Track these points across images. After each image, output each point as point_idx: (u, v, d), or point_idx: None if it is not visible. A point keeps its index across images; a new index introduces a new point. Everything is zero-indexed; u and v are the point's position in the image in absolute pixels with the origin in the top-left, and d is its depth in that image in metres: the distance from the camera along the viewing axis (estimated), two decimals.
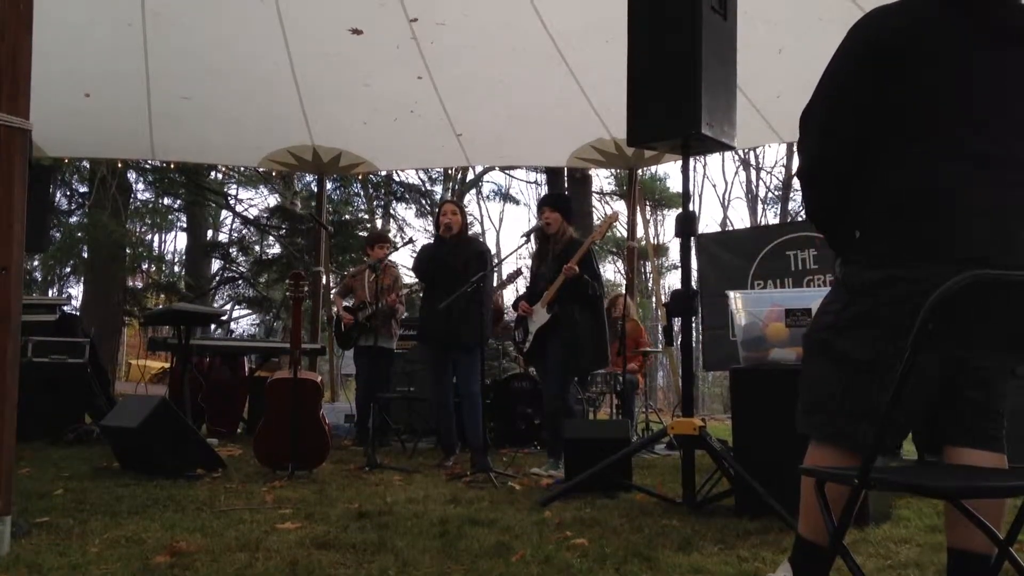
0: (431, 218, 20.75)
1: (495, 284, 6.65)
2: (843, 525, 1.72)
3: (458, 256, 5.69)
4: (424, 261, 5.93)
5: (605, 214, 24.15)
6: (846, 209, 2.05)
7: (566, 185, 14.55)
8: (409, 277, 10.10)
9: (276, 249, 18.05)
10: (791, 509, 3.05)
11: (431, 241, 6.30)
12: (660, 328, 12.05)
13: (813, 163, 2.09)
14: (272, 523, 3.38)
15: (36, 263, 17.19)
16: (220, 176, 18.66)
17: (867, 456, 1.62)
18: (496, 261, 5.80)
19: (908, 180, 1.94)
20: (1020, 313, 1.60)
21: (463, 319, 5.43)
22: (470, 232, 6.17)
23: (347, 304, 7.29)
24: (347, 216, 18.47)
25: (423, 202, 20.30)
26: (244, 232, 19.36)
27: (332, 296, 8.19)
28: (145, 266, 18.19)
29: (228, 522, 3.39)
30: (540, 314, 5.54)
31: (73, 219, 15.68)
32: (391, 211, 21.05)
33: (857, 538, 3.16)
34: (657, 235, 27.14)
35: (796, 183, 22.46)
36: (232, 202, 19.66)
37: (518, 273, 6.52)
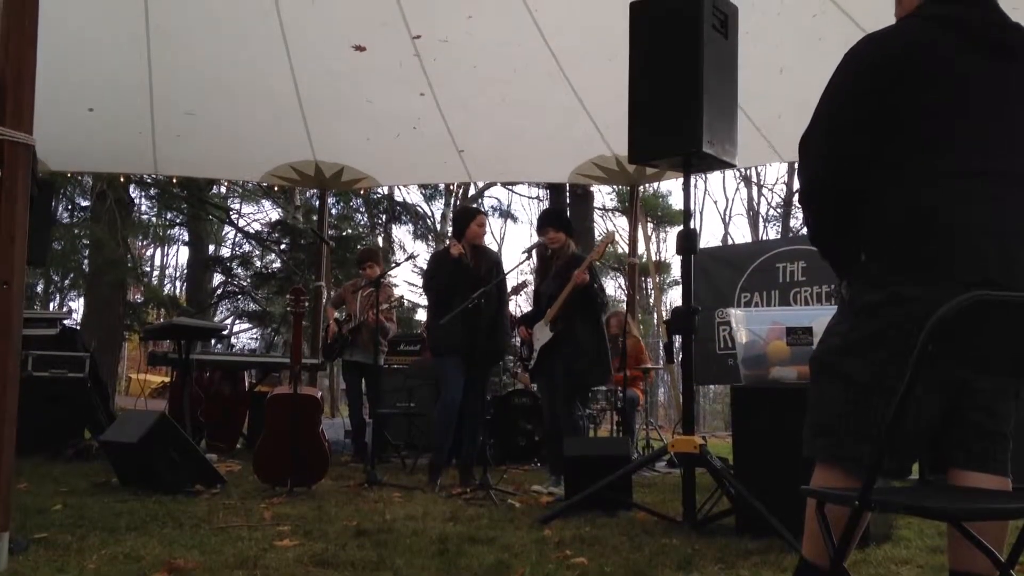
0: (430, 238, 20.81)
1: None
2: (843, 547, 1.71)
3: (479, 266, 5.59)
4: (443, 273, 5.61)
5: (607, 230, 24.23)
6: (848, 231, 2.04)
7: (568, 201, 14.60)
8: (414, 293, 10.07)
9: (277, 264, 18.09)
10: (792, 528, 3.05)
11: (442, 250, 6.17)
12: (661, 345, 12.05)
13: (814, 185, 2.09)
14: (270, 540, 3.36)
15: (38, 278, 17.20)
16: (223, 190, 18.72)
17: (867, 477, 1.61)
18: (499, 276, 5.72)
19: (908, 200, 1.94)
20: (1022, 335, 1.60)
21: (491, 332, 5.29)
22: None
23: (338, 316, 7.30)
24: (348, 231, 18.52)
25: (418, 224, 20.42)
26: (245, 246, 19.41)
27: (325, 306, 8.18)
28: (146, 280, 18.21)
29: (226, 539, 3.38)
30: (543, 332, 5.48)
31: (74, 232, 15.72)
32: (390, 231, 21.19)
33: (858, 559, 3.15)
34: (659, 252, 27.14)
35: (797, 200, 22.52)
36: (234, 217, 19.73)
37: (523, 286, 6.46)
